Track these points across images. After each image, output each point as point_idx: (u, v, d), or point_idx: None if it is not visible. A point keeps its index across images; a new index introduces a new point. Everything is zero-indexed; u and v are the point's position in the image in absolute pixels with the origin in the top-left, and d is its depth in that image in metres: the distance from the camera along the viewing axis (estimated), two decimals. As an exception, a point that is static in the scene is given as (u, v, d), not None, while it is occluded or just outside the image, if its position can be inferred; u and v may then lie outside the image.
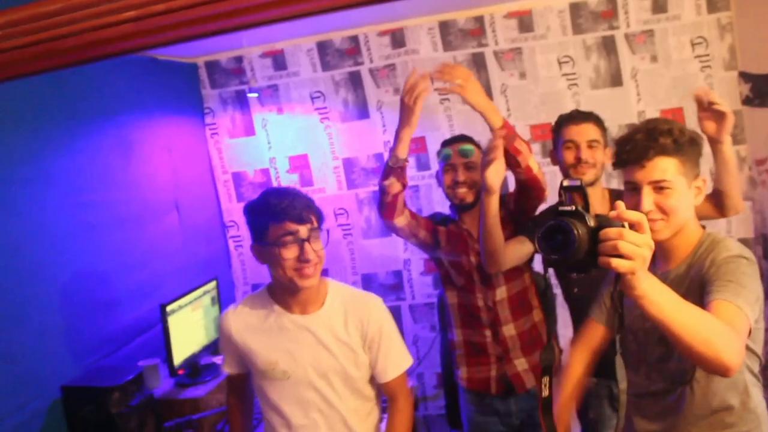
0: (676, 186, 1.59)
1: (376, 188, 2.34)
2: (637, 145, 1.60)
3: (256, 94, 3.85)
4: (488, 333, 2.48)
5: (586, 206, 1.25)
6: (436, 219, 2.64)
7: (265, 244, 1.82)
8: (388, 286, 3.89)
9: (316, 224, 1.83)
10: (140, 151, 3.24)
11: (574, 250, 1.20)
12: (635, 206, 1.60)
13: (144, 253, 3.15)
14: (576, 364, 1.86)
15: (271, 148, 3.92)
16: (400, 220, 2.42)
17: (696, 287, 1.59)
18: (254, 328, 1.93)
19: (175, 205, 3.48)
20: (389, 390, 1.99)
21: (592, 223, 1.21)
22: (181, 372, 2.88)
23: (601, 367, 1.87)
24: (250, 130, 3.94)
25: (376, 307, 1.97)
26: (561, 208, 1.25)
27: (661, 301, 1.24)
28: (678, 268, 1.67)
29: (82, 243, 2.72)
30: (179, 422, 2.23)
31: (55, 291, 2.54)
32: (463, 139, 2.57)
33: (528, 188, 2.31)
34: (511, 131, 2.19)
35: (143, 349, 2.99)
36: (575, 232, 1.20)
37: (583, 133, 2.38)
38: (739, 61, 3.48)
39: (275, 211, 1.78)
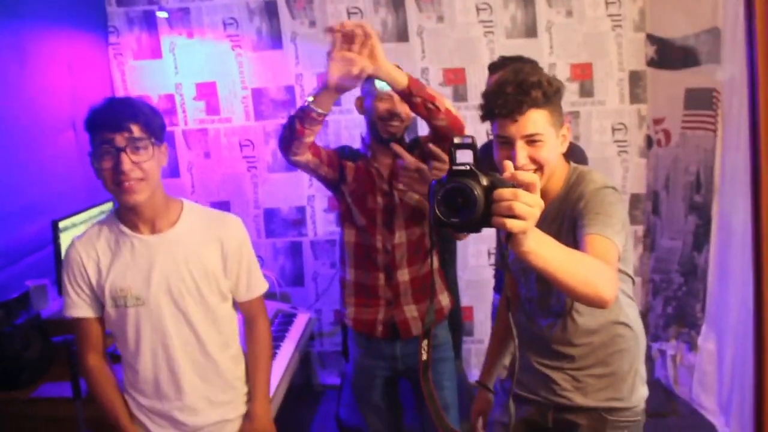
0: (548, 138, 1.61)
1: (285, 120, 2.21)
2: (509, 99, 1.58)
3: (165, 14, 3.65)
4: (381, 276, 2.42)
5: (477, 164, 1.22)
6: (345, 153, 2.49)
7: (91, 157, 1.69)
8: (291, 222, 3.84)
9: (140, 134, 1.66)
10: (37, 61, 3.00)
11: (474, 212, 1.18)
12: (508, 159, 1.55)
13: (37, 170, 2.94)
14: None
15: (177, 73, 3.74)
16: (302, 158, 2.29)
17: (569, 221, 1.66)
18: (105, 253, 1.79)
19: (72, 124, 3.29)
20: (250, 309, 1.96)
21: (485, 182, 1.19)
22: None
23: None
24: (156, 53, 3.74)
25: (235, 226, 1.90)
26: (455, 168, 1.21)
27: (545, 254, 1.25)
28: (551, 205, 1.70)
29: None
30: (68, 338, 2.13)
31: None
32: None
33: (449, 132, 2.13)
34: (417, 82, 2.07)
35: (34, 270, 2.81)
36: (475, 193, 1.17)
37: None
38: (647, 24, 3.58)
39: (93, 120, 1.67)
